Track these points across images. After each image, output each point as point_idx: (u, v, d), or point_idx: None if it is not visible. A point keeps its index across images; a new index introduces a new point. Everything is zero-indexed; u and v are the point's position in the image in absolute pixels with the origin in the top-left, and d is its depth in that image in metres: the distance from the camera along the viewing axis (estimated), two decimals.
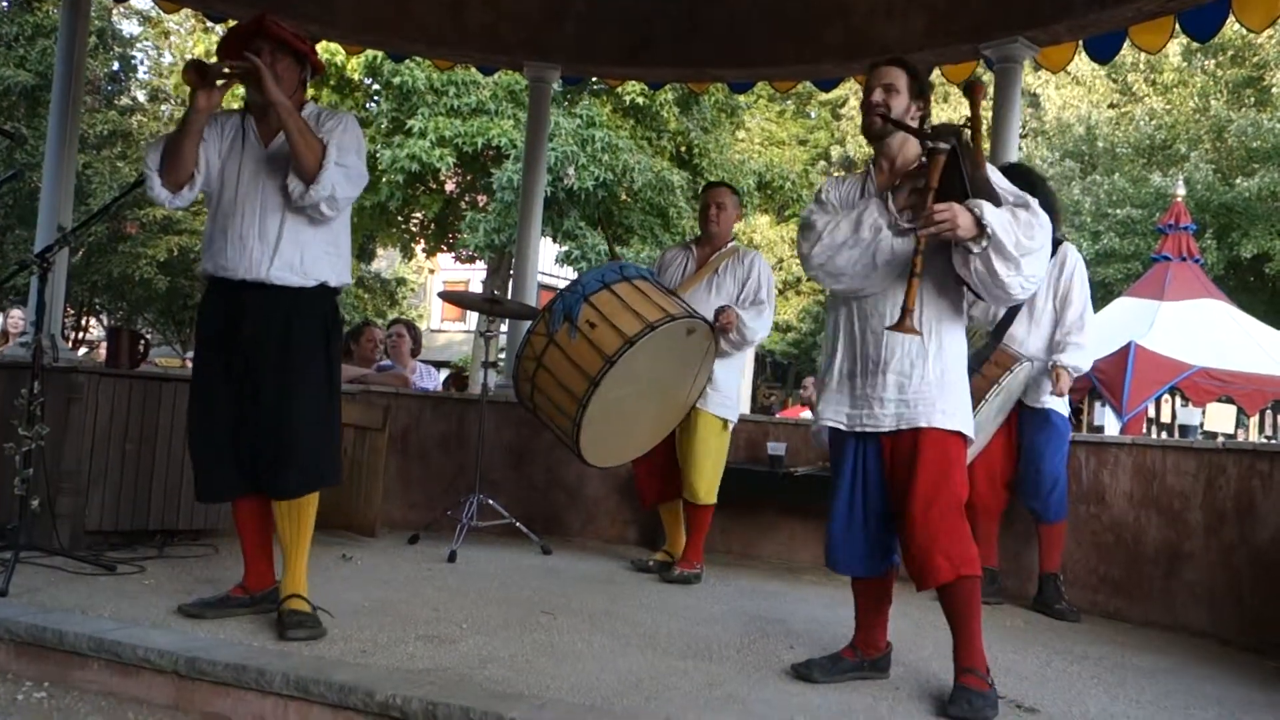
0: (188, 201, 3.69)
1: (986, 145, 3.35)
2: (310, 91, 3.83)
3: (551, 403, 4.77)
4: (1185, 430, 12.09)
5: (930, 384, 3.20)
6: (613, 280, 4.71)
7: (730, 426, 5.25)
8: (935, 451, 3.18)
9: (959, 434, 3.24)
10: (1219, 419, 12.96)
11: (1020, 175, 4.69)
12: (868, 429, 3.28)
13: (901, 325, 3.08)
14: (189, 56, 23.37)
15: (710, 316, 4.93)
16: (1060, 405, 4.80)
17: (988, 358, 4.40)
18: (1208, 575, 4.68)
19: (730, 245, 5.31)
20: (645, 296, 4.67)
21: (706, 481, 5.14)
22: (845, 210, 3.35)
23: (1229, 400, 12.04)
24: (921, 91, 3.32)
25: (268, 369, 3.58)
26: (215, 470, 3.67)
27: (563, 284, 5.00)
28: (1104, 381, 11.60)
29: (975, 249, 3.03)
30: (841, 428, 3.35)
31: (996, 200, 3.10)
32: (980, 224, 3.00)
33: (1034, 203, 3.17)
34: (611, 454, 5.04)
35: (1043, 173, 5.23)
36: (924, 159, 3.23)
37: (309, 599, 3.57)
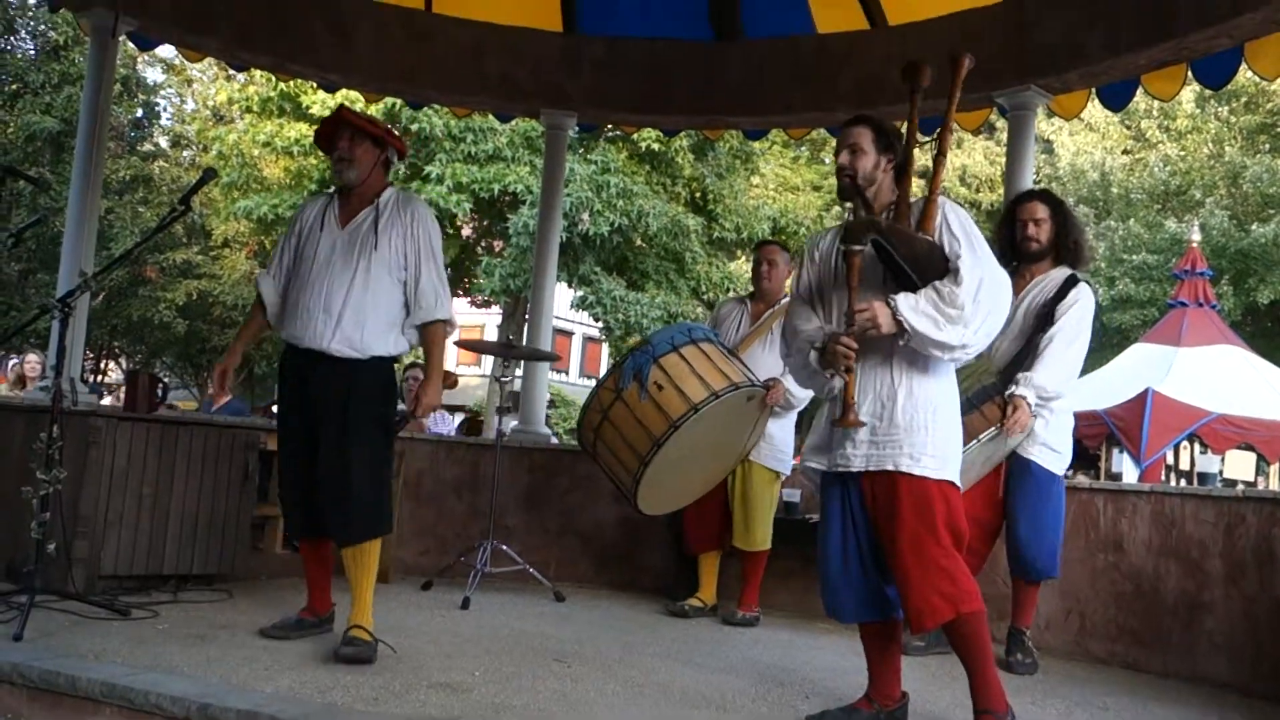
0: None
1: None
2: None
3: (613, 455, 5.00)
4: (1204, 478, 11.99)
5: (899, 426, 3.25)
6: (681, 343, 4.98)
7: (783, 478, 5.47)
8: (912, 497, 3.21)
9: (938, 480, 3.23)
10: (1239, 466, 12.83)
11: (1054, 203, 4.68)
12: (839, 469, 3.35)
13: (845, 420, 3.25)
14: (211, 103, 23.75)
15: (765, 374, 5.15)
16: (1047, 456, 4.44)
17: (991, 397, 4.23)
18: (1228, 625, 4.62)
19: (784, 302, 5.51)
20: (710, 361, 4.94)
21: (761, 530, 5.34)
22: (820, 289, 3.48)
23: (1249, 447, 11.94)
24: (889, 145, 3.38)
25: (328, 430, 3.96)
26: (292, 513, 4.16)
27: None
28: (1122, 428, 11.54)
29: (901, 341, 3.20)
30: (822, 469, 3.42)
31: (945, 262, 3.19)
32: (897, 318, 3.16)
33: (966, 265, 3.17)
34: (664, 503, 5.23)
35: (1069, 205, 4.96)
36: (844, 254, 3.27)
37: (371, 632, 3.88)
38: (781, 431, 5.41)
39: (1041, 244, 4.56)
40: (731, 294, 18.30)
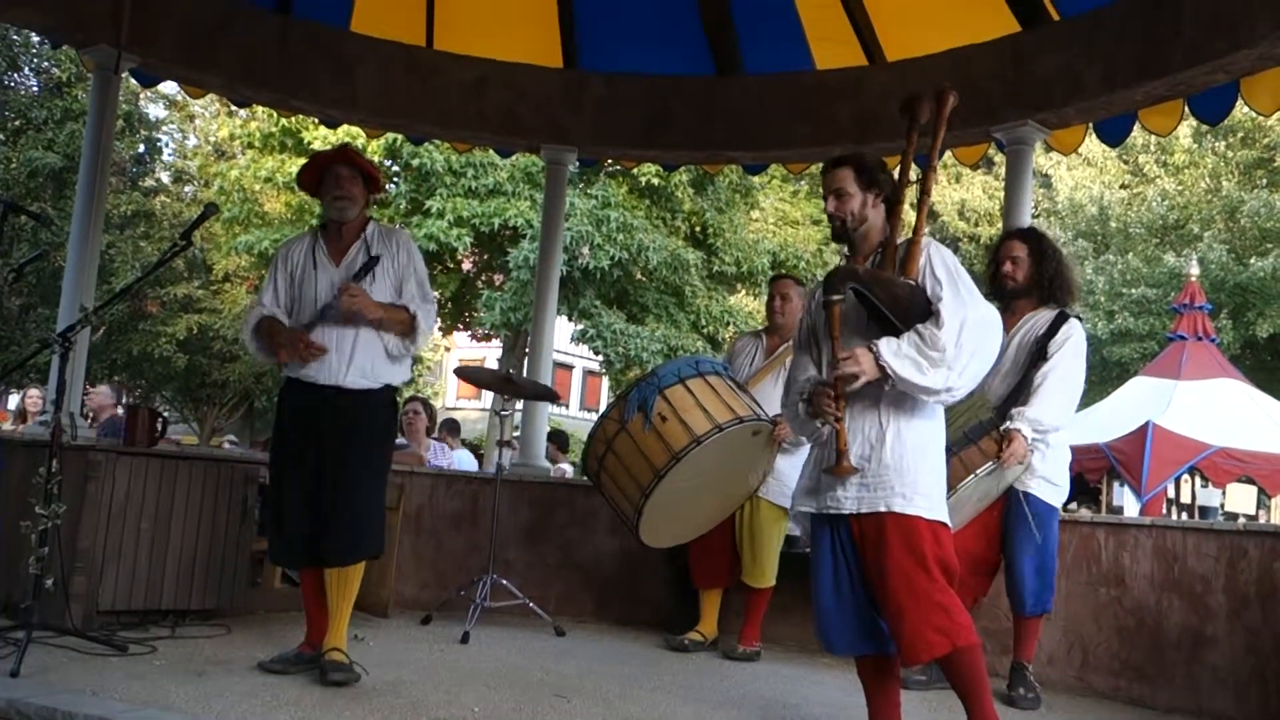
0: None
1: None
2: None
3: (616, 485, 5.01)
4: (1205, 511, 11.96)
5: (888, 468, 3.25)
6: (688, 375, 4.97)
7: (791, 514, 5.32)
8: (902, 535, 3.21)
9: (929, 520, 3.24)
10: (1240, 499, 12.80)
11: (1032, 241, 4.72)
12: (830, 510, 3.35)
13: (839, 468, 3.27)
14: (213, 138, 23.90)
15: (777, 409, 5.02)
16: (1046, 490, 4.47)
17: (988, 432, 4.24)
18: (1231, 660, 4.59)
19: None
20: (716, 394, 4.93)
21: (766, 566, 5.29)
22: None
23: (1250, 480, 11.91)
24: (872, 180, 3.40)
25: (335, 458, 4.11)
26: (283, 542, 4.21)
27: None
28: (1122, 461, 11.52)
29: (887, 386, 3.22)
30: (811, 511, 3.42)
31: (927, 306, 3.22)
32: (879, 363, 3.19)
33: (948, 307, 3.19)
34: (669, 535, 5.21)
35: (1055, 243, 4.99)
36: (824, 308, 3.31)
37: (347, 654, 4.04)
38: (791, 468, 5.21)
39: (1018, 282, 4.62)
40: (732, 327, 18.37)
